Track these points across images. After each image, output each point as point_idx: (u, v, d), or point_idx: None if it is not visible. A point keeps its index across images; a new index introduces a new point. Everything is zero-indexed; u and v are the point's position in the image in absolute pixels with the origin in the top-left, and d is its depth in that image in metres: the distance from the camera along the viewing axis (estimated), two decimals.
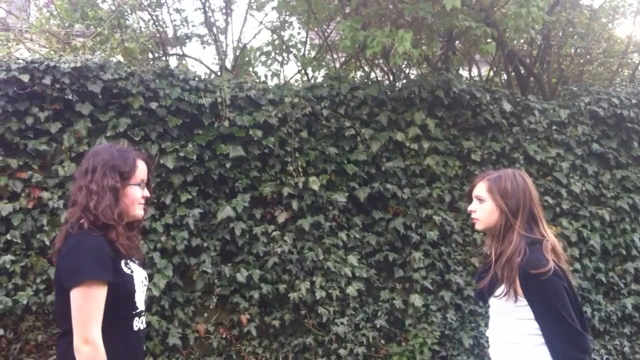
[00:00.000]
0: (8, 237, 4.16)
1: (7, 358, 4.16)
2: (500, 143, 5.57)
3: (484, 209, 2.67)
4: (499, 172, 2.74)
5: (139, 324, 2.40)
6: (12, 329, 4.19)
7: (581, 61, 7.25)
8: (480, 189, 2.69)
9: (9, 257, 4.13)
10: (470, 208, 2.73)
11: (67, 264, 2.27)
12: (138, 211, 2.46)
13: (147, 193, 2.50)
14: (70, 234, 2.32)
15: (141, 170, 2.48)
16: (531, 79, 6.92)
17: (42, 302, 4.18)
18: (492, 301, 2.65)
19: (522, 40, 6.78)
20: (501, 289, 2.54)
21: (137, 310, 2.40)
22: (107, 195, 2.34)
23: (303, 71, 6.33)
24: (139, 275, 2.44)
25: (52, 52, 5.36)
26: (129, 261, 2.41)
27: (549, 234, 2.61)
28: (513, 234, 2.58)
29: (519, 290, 2.50)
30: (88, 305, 2.19)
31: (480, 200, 2.68)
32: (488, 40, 5.63)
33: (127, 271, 2.36)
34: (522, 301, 2.50)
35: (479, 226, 2.71)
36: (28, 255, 4.22)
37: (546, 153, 5.71)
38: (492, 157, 5.53)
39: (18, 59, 4.49)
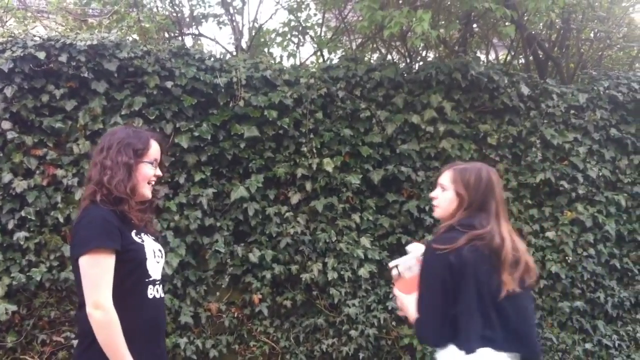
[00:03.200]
0: (22, 213, 4.20)
1: (20, 334, 4.22)
2: (517, 127, 5.51)
3: (445, 197, 2.65)
4: (468, 164, 2.73)
5: (154, 292, 2.43)
6: (25, 305, 4.25)
7: (601, 45, 7.13)
8: (445, 177, 2.68)
9: (23, 234, 4.18)
10: (432, 194, 2.73)
11: (76, 235, 2.34)
12: (146, 190, 2.49)
13: (159, 172, 2.53)
14: (84, 208, 2.39)
15: (154, 149, 2.52)
16: (550, 62, 6.82)
17: (55, 279, 4.23)
18: None
19: (541, 24, 6.68)
20: None
21: (151, 279, 2.43)
22: (121, 171, 2.39)
23: (319, 52, 6.29)
24: (152, 246, 2.48)
25: (69, 30, 5.37)
26: (141, 233, 2.46)
27: (498, 231, 2.52)
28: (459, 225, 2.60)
29: None
30: (96, 272, 2.24)
31: (443, 188, 2.67)
32: (507, 23, 5.56)
33: (138, 240, 2.40)
34: None
35: (437, 213, 2.71)
36: (42, 232, 4.27)
37: (563, 137, 5.65)
38: (509, 140, 5.48)
39: (35, 36, 4.51)
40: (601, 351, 5.54)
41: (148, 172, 2.48)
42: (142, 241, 2.43)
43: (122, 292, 2.30)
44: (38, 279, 4.16)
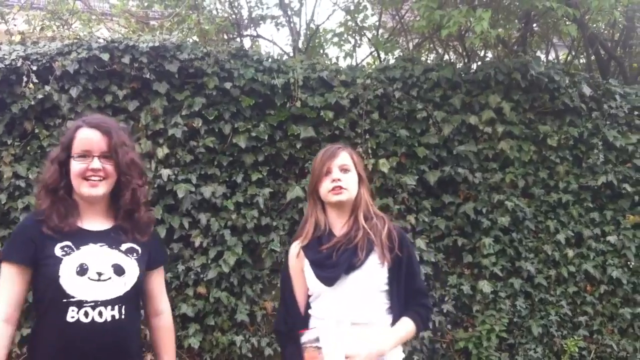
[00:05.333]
0: None
1: None
2: (578, 128, 5.38)
3: (350, 179, 2.58)
4: (342, 144, 2.78)
5: (79, 315, 2.13)
6: None
7: None
8: (346, 158, 2.60)
9: None
10: (335, 176, 2.56)
11: None
12: (83, 188, 2.23)
13: (95, 165, 2.23)
14: None
15: (81, 140, 2.26)
16: (612, 62, 6.65)
17: None
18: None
19: (604, 22, 6.51)
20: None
21: (74, 299, 2.14)
22: (52, 167, 2.27)
23: (376, 53, 6.28)
24: (90, 259, 2.20)
25: (132, 32, 5.51)
26: (72, 243, 2.21)
27: None
28: (371, 206, 2.65)
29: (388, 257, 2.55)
30: None
31: (346, 170, 2.57)
32: (568, 22, 5.44)
33: (59, 253, 2.17)
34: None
35: (344, 196, 2.55)
36: None
37: (626, 139, 5.48)
38: (570, 142, 5.35)
39: (99, 38, 4.64)
40: None
41: (74, 167, 2.23)
42: (65, 254, 2.17)
43: (39, 310, 2.22)
44: None
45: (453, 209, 5.08)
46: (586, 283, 5.34)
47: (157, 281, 2.53)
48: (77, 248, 2.19)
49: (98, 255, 2.21)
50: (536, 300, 5.18)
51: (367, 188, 2.66)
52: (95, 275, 2.17)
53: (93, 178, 2.23)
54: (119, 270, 2.23)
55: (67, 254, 2.17)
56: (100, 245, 2.24)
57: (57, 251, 2.16)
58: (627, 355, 5.28)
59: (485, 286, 4.97)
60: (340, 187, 2.53)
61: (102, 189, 2.26)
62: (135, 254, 2.32)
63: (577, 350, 5.09)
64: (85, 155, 2.23)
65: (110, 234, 2.30)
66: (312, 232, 2.61)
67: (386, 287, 2.54)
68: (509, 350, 5.08)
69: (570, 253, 5.24)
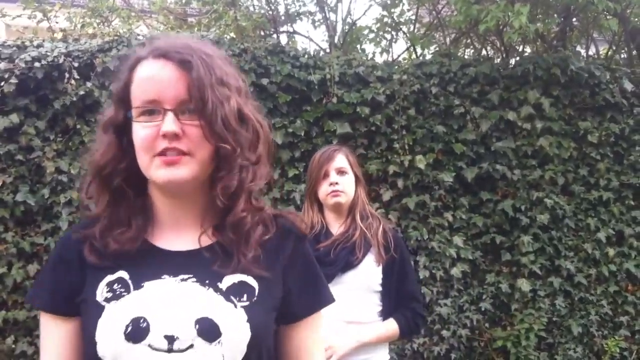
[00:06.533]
0: None
1: None
2: (619, 124, 5.27)
3: (348, 181, 2.63)
4: (338, 145, 2.86)
5: None
6: None
7: None
8: (343, 161, 2.64)
9: None
10: (333, 179, 2.62)
11: None
12: (153, 170, 1.22)
13: (168, 126, 1.19)
14: None
15: (142, 83, 1.24)
16: None
17: None
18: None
19: None
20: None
21: None
22: (104, 138, 1.31)
23: (412, 48, 6.24)
24: (158, 309, 1.19)
25: (170, 29, 5.57)
26: (130, 276, 1.24)
27: None
28: (367, 206, 2.71)
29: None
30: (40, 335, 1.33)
31: (343, 172, 2.62)
32: (609, 16, 5.34)
33: (102, 296, 1.22)
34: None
35: (342, 199, 2.62)
36: None
37: None
38: (611, 138, 5.25)
39: (138, 35, 4.69)
40: None
41: (136, 133, 1.24)
42: (113, 297, 1.21)
43: None
44: None
45: (491, 206, 5.02)
46: (627, 282, 5.24)
47: (304, 342, 1.38)
48: (138, 286, 1.22)
49: (172, 300, 1.20)
50: (576, 300, 5.09)
51: (363, 188, 2.73)
52: (162, 342, 1.16)
53: (169, 152, 1.20)
54: (209, 332, 1.18)
55: (116, 296, 1.21)
56: (182, 280, 1.23)
57: (101, 291, 1.23)
58: None
59: (524, 285, 4.91)
60: (338, 190, 2.61)
61: (185, 169, 1.21)
62: (245, 297, 1.24)
63: (618, 350, 5.00)
64: (153, 110, 1.22)
65: (202, 257, 1.26)
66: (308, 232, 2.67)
67: (380, 288, 2.60)
68: (548, 350, 5.01)
69: (611, 252, 5.15)
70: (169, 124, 1.18)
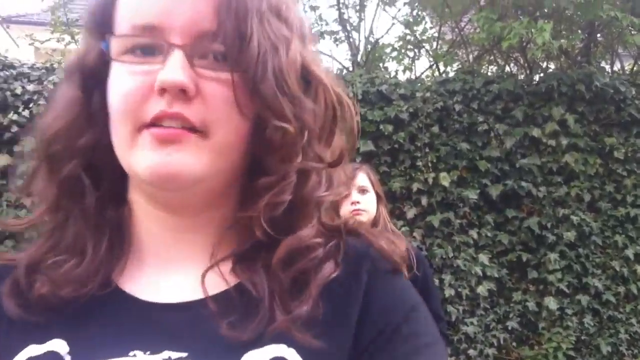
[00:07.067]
0: None
1: None
2: None
3: (369, 200, 2.61)
4: (359, 164, 2.81)
5: None
6: None
7: None
8: (364, 179, 2.63)
9: None
10: (355, 199, 2.58)
11: None
12: (137, 154, 0.66)
13: (169, 74, 0.63)
14: None
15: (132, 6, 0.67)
16: None
17: None
18: None
19: None
20: None
21: None
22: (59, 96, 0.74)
23: (435, 66, 6.24)
24: None
25: None
26: (70, 343, 0.65)
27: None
28: (389, 224, 2.66)
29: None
30: None
31: (364, 191, 2.61)
32: (634, 31, 5.30)
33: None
34: None
35: (364, 218, 2.56)
36: None
37: None
38: (637, 154, 5.18)
39: None
40: None
41: (119, 82, 0.67)
42: None
43: None
44: None
45: (517, 224, 4.97)
46: None
47: None
48: None
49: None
50: (604, 318, 5.01)
51: (385, 206, 2.71)
52: None
53: (167, 120, 0.64)
54: None
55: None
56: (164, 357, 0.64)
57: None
58: None
59: (551, 303, 4.84)
60: (360, 209, 2.59)
61: (191, 156, 0.65)
62: None
63: None
64: (149, 46, 0.66)
65: (206, 315, 0.67)
66: None
67: None
68: None
69: None
70: (173, 69, 0.63)
